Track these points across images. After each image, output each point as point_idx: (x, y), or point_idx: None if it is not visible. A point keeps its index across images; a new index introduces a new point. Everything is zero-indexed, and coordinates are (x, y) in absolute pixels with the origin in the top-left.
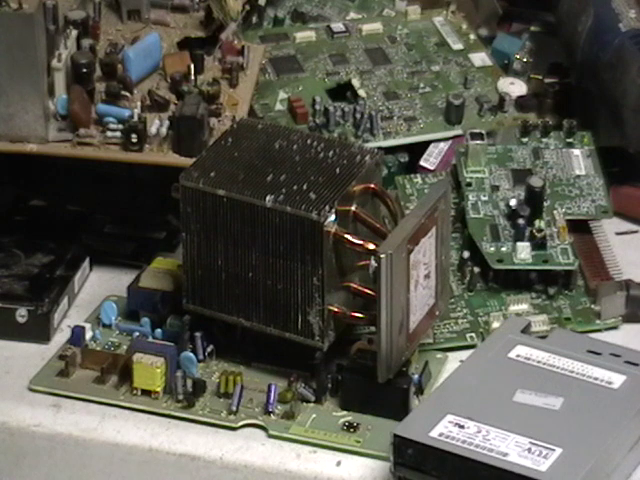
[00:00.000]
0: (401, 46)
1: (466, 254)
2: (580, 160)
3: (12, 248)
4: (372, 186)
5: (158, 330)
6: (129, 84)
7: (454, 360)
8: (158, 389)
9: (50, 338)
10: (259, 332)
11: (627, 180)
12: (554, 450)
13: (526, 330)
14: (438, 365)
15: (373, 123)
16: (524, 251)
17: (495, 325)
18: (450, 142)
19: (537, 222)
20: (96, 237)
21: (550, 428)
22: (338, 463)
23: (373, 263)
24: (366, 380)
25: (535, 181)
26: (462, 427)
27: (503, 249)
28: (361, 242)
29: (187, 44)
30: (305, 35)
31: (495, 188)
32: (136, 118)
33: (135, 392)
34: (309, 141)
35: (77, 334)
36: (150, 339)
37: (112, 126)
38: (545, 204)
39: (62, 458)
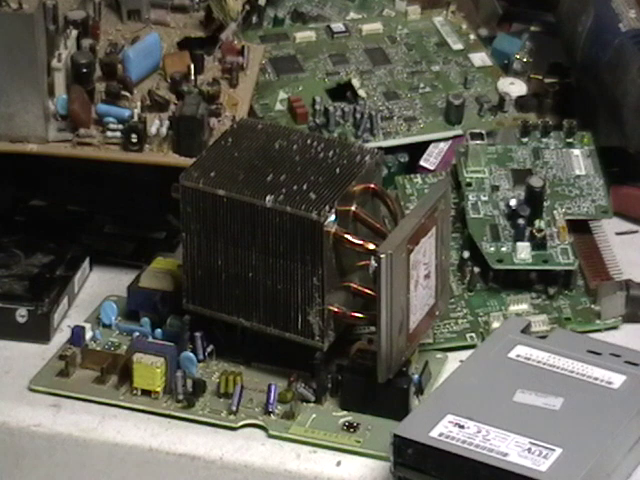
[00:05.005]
0: (401, 46)
1: (466, 254)
2: (580, 160)
3: (12, 248)
4: (372, 186)
5: (158, 330)
6: (129, 84)
7: (454, 360)
8: (158, 389)
9: (50, 338)
10: (259, 332)
11: (627, 180)
12: (554, 450)
13: (526, 330)
14: (438, 365)
15: (373, 123)
16: (524, 251)
17: (495, 325)
18: (450, 142)
19: (537, 222)
20: (96, 237)
21: (550, 428)
22: (338, 463)
23: (373, 263)
24: (366, 380)
25: (535, 181)
26: (462, 427)
27: (503, 249)
28: (361, 242)
29: (187, 44)
30: (305, 35)
31: (495, 188)
32: (136, 118)
33: (135, 392)
34: (309, 141)
35: (77, 334)
36: (150, 339)
37: (112, 126)
38: (545, 204)
39: (62, 458)
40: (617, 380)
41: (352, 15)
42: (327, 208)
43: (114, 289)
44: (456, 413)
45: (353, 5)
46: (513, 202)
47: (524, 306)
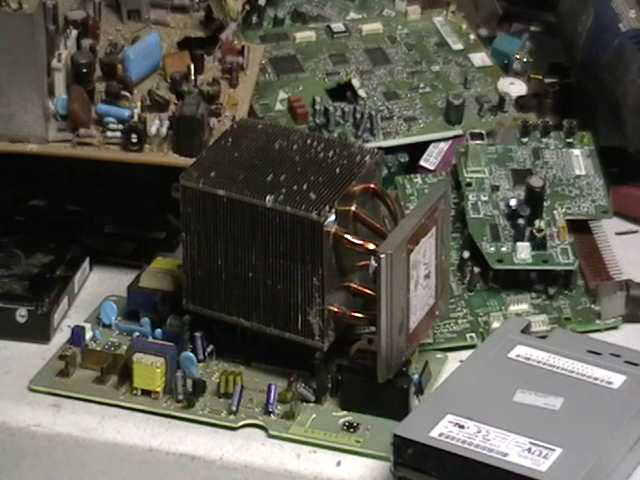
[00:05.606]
0: (401, 46)
1: (466, 254)
2: (580, 160)
3: (12, 248)
4: (372, 186)
5: (158, 330)
6: (129, 84)
7: (454, 360)
8: (158, 389)
9: (50, 338)
10: (259, 332)
11: (627, 180)
12: (554, 450)
13: (526, 330)
14: (438, 365)
15: (373, 123)
16: (524, 251)
17: (495, 325)
18: (450, 142)
19: (537, 222)
20: (96, 237)
21: (550, 428)
22: (338, 463)
23: (373, 263)
24: (366, 380)
25: (535, 181)
26: (462, 427)
27: (503, 249)
28: (361, 242)
29: (187, 44)
30: (305, 35)
31: (495, 188)
32: (136, 118)
33: (135, 392)
34: (309, 141)
35: (77, 334)
36: (150, 339)
37: (112, 126)
38: (545, 204)
39: (62, 458)
40: (617, 380)
41: (352, 15)
42: (327, 208)
43: (114, 289)
44: (456, 413)
45: (353, 5)
46: (513, 202)
47: (524, 306)
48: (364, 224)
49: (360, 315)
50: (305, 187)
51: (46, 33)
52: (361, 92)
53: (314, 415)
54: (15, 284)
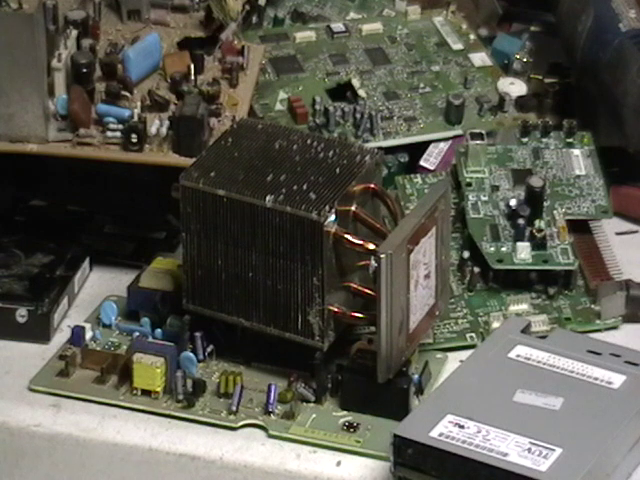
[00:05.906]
0: (401, 46)
1: (466, 254)
2: (580, 160)
3: (12, 248)
4: (372, 186)
5: (158, 330)
6: (129, 84)
7: (454, 360)
8: (158, 389)
9: (50, 338)
10: (259, 332)
11: (627, 180)
12: (554, 450)
13: (526, 330)
14: (438, 365)
15: (373, 123)
16: (524, 251)
17: (495, 325)
18: (450, 142)
19: (537, 222)
20: (96, 237)
21: (550, 428)
22: (338, 463)
23: (373, 263)
24: (366, 380)
25: (535, 181)
26: (462, 427)
27: (503, 249)
28: (361, 242)
29: (187, 44)
30: (305, 35)
31: (495, 188)
32: (136, 118)
33: (135, 392)
34: (309, 141)
35: (77, 334)
36: (150, 339)
37: (112, 126)
38: (545, 204)
39: (62, 458)
40: (617, 380)
41: (352, 15)
42: (327, 208)
43: (114, 289)
44: (456, 413)
45: (353, 5)
46: (513, 202)
47: (524, 306)
48: (364, 224)
49: (360, 315)
50: (305, 187)
51: (46, 33)
52: (361, 92)
53: (314, 415)
54: (15, 284)
